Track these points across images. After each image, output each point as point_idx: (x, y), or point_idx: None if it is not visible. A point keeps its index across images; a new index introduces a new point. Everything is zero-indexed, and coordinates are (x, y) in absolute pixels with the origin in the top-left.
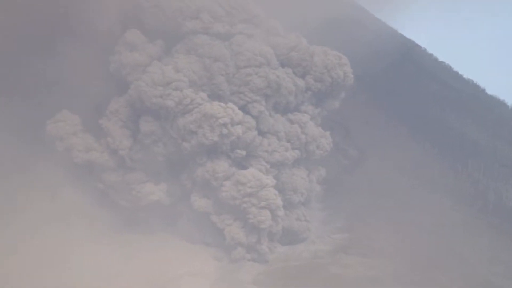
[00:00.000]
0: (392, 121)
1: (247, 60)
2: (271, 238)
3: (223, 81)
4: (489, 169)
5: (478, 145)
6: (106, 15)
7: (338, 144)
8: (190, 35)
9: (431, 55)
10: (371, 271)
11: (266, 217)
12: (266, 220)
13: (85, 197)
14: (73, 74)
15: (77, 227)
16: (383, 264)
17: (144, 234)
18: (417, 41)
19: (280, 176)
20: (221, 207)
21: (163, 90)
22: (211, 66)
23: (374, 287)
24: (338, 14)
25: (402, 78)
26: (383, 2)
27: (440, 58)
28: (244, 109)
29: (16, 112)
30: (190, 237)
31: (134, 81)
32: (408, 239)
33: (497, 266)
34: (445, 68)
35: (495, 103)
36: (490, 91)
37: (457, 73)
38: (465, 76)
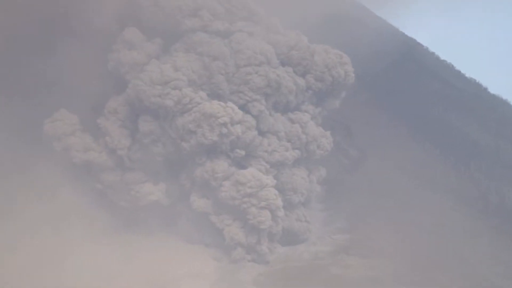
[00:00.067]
0: (393, 120)
1: (247, 59)
2: (271, 238)
3: (222, 80)
4: (491, 170)
5: (480, 145)
6: (104, 13)
7: (338, 144)
8: (189, 33)
9: (432, 53)
10: (372, 272)
11: (266, 218)
12: (266, 220)
13: (83, 197)
14: (71, 73)
15: (76, 228)
16: (383, 264)
17: (143, 234)
18: (419, 40)
19: (280, 176)
20: (220, 207)
21: (161, 89)
22: (210, 65)
23: None
24: (338, 12)
25: (404, 77)
26: (383, 0)
27: (442, 57)
28: (244, 108)
29: (13, 112)
30: (190, 237)
31: (132, 80)
32: (409, 239)
33: (498, 266)
34: (447, 67)
35: (497, 103)
36: (492, 90)
37: (459, 72)
38: (467, 75)
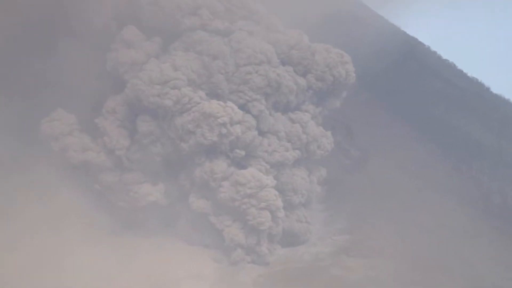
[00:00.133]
0: (395, 120)
1: (247, 58)
2: (271, 239)
3: (222, 79)
4: (493, 170)
5: (482, 145)
6: (103, 12)
7: (339, 144)
8: (189, 32)
9: (434, 52)
10: (373, 273)
11: (266, 219)
12: (266, 221)
13: (81, 198)
14: (69, 72)
15: (74, 228)
16: (385, 265)
17: (142, 235)
18: (420, 39)
19: (280, 176)
20: (220, 208)
21: (160, 88)
22: (210, 64)
23: None
24: (339, 11)
25: (405, 76)
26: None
27: (444, 56)
28: (243, 108)
29: (10, 112)
30: (189, 238)
31: (131, 79)
32: (411, 240)
33: (500, 267)
34: (449, 66)
35: (500, 102)
36: (495, 90)
37: (461, 71)
38: (469, 74)
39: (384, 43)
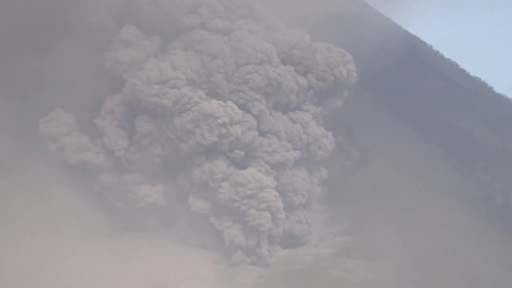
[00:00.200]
0: (396, 120)
1: (247, 57)
2: (271, 241)
3: (221, 79)
4: (496, 170)
5: (485, 145)
6: (101, 11)
7: (340, 144)
8: (188, 30)
9: (437, 52)
10: (375, 275)
11: (266, 220)
12: (266, 222)
13: (79, 199)
14: (68, 72)
15: (73, 230)
16: (386, 267)
17: (141, 236)
18: (423, 38)
19: (281, 177)
20: (219, 208)
21: (159, 88)
22: (209, 63)
23: None
24: (339, 9)
25: (407, 76)
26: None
27: (446, 55)
28: (243, 108)
29: (8, 111)
30: (188, 239)
31: (129, 79)
32: (412, 241)
33: (503, 269)
34: (452, 66)
35: (503, 102)
36: (498, 89)
37: (463, 70)
38: (472, 73)
39: (385, 42)
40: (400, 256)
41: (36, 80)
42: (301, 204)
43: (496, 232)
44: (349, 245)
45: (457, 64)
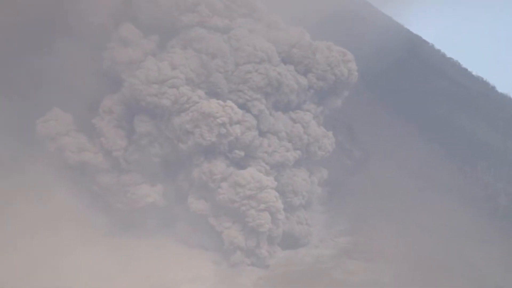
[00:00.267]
0: (397, 120)
1: (246, 56)
2: (271, 242)
3: (221, 78)
4: (499, 170)
5: (488, 145)
6: (99, 10)
7: (341, 144)
8: (187, 29)
9: (438, 51)
10: (375, 276)
11: (265, 220)
12: (265, 223)
13: (78, 199)
14: (65, 71)
15: (71, 231)
16: (387, 268)
17: (140, 237)
18: (424, 37)
19: (280, 177)
20: (219, 209)
21: (158, 88)
22: (208, 62)
23: None
24: (340, 8)
25: (408, 75)
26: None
27: (448, 54)
28: (243, 107)
29: (5, 111)
30: (188, 240)
31: (128, 78)
32: (414, 242)
33: (506, 270)
34: (454, 65)
35: (505, 102)
36: (500, 89)
37: (466, 70)
38: (474, 73)
39: (387, 41)
40: (401, 257)
41: (34, 79)
42: (301, 205)
43: (498, 232)
44: (350, 246)
45: (459, 63)
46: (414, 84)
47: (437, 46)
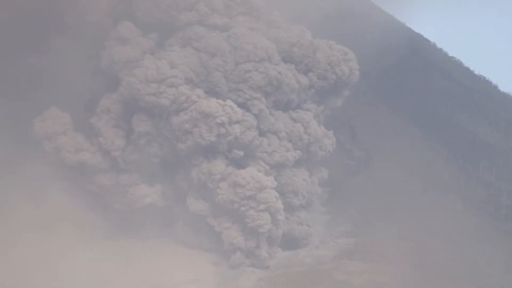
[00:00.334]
0: (399, 119)
1: (246, 55)
2: (271, 242)
3: (220, 77)
4: (502, 170)
5: (490, 144)
6: (97, 8)
7: (342, 144)
8: (186, 27)
9: (440, 49)
10: (377, 278)
11: (265, 221)
12: (265, 224)
13: (75, 200)
14: (63, 70)
15: (68, 232)
16: (389, 270)
17: (139, 238)
18: (426, 35)
19: (280, 178)
20: (218, 209)
21: (157, 87)
22: (207, 61)
23: None
24: (341, 6)
25: (410, 74)
26: None
27: (450, 53)
28: (243, 106)
29: (3, 110)
30: (187, 241)
31: (126, 77)
32: (416, 243)
33: (510, 272)
34: (455, 64)
35: (508, 101)
36: (503, 88)
37: (468, 69)
38: (476, 72)
39: (388, 39)
40: (403, 258)
41: (31, 78)
42: (302, 205)
43: (501, 233)
44: (351, 247)
45: (461, 62)
46: (416, 83)
47: (439, 44)
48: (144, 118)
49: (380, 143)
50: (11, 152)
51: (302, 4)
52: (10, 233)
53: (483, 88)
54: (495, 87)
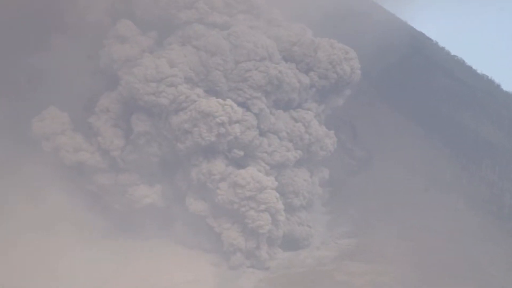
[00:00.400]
0: (401, 118)
1: (247, 54)
2: (271, 243)
3: (220, 76)
4: (505, 170)
5: (493, 144)
6: (95, 7)
7: (344, 143)
8: (185, 25)
9: (442, 48)
10: (379, 279)
11: (265, 222)
12: (265, 224)
13: (74, 200)
14: (62, 69)
15: (67, 232)
16: (391, 271)
17: (138, 238)
18: (428, 34)
19: (281, 178)
20: (218, 209)
21: (156, 86)
22: (207, 60)
23: None
24: (342, 4)
25: (412, 73)
26: None
27: (453, 52)
28: (243, 106)
29: (1, 110)
30: (186, 241)
31: (125, 76)
32: (418, 244)
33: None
34: (458, 63)
35: (510, 100)
36: (505, 87)
37: (470, 68)
38: (479, 71)
39: (389, 38)
40: (405, 259)
41: (30, 77)
42: (302, 206)
43: (505, 233)
44: (352, 247)
45: (463, 61)
46: (418, 82)
47: (441, 43)
48: (143, 117)
49: (382, 142)
50: (10, 152)
51: (303, 2)
52: (9, 233)
53: (486, 87)
54: (498, 86)
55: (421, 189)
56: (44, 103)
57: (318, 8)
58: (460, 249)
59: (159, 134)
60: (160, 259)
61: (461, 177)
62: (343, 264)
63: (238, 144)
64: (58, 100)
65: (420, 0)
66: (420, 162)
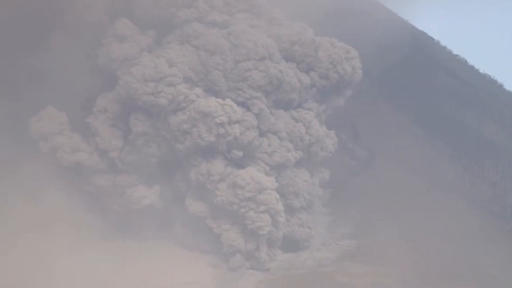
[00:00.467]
0: (403, 118)
1: (246, 53)
2: (271, 244)
3: (220, 76)
4: (507, 170)
5: (495, 144)
6: (94, 6)
7: (345, 144)
8: (184, 24)
9: (444, 47)
10: (380, 280)
11: (265, 223)
12: (265, 225)
13: (72, 201)
14: (60, 69)
15: (65, 233)
16: (392, 272)
17: (137, 240)
18: (430, 33)
19: (281, 178)
20: (217, 210)
21: (154, 86)
22: (206, 60)
23: None
24: (343, 3)
25: (413, 72)
26: None
27: (455, 51)
28: (243, 105)
29: (1, 110)
30: (185, 243)
31: (123, 76)
32: (419, 245)
33: None
34: (460, 62)
35: None
36: (508, 86)
37: (472, 67)
38: (481, 70)
39: (391, 37)
40: (406, 260)
41: (27, 77)
42: (302, 207)
43: (507, 233)
44: (353, 249)
45: (465, 61)
46: (419, 82)
47: (443, 42)
48: (142, 117)
49: (383, 143)
50: (9, 152)
51: (304, 1)
52: (7, 233)
53: (488, 87)
54: (500, 85)
55: (423, 190)
56: (43, 103)
57: (319, 7)
58: (461, 250)
59: (158, 134)
60: (159, 260)
61: (463, 178)
62: (344, 265)
63: (237, 144)
64: (56, 100)
65: (417, 2)
66: (421, 162)
